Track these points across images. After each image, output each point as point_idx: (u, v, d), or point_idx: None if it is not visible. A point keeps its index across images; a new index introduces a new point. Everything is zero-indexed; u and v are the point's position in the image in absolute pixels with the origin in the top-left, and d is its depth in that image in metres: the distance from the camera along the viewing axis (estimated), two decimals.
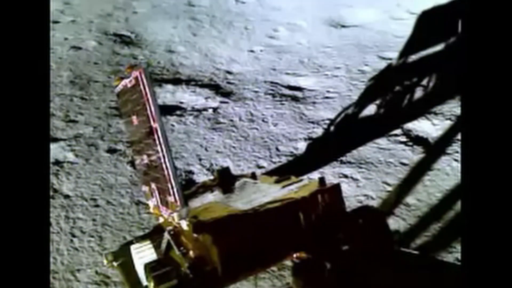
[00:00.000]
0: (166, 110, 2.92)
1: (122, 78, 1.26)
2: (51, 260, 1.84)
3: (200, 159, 2.45)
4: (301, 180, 1.33)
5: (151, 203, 1.36)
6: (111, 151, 2.52)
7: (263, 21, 4.26)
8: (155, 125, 1.13)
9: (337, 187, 1.20)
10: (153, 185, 1.29)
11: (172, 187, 1.11)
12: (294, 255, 1.41)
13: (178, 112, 2.89)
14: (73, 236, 1.98)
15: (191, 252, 1.15)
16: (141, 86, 1.12)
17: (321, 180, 1.21)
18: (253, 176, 1.56)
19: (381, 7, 4.28)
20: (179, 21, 4.35)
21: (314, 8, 4.42)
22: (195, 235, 1.08)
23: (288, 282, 1.66)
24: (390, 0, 4.36)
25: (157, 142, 1.13)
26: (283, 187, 1.30)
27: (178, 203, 1.11)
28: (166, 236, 1.24)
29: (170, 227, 1.24)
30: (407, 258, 1.73)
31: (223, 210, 1.19)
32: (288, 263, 1.64)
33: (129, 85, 1.21)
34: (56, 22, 4.38)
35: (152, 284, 1.13)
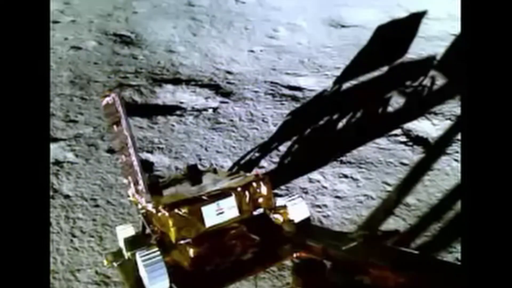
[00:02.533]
0: (166, 110, 2.92)
1: (105, 96, 1.62)
2: (51, 260, 1.84)
3: (200, 159, 2.45)
4: (244, 174, 1.64)
5: (130, 192, 1.67)
6: (111, 151, 2.52)
7: (263, 21, 4.26)
8: (126, 133, 1.53)
9: (266, 178, 1.51)
10: (129, 178, 1.62)
11: (139, 179, 1.51)
12: (294, 255, 1.43)
13: (178, 112, 2.89)
14: (73, 236, 1.98)
15: (157, 229, 1.48)
16: (116, 106, 1.54)
17: (256, 174, 1.56)
18: (215, 171, 1.88)
19: (381, 7, 4.28)
20: (179, 21, 4.35)
21: (314, 8, 4.43)
22: (158, 214, 1.39)
23: (288, 282, 1.67)
24: (390, 0, 4.37)
25: (128, 146, 1.53)
26: (231, 179, 1.61)
27: (144, 190, 1.50)
28: (141, 217, 1.57)
29: (144, 210, 1.57)
30: (407, 258, 1.73)
31: (181, 196, 1.51)
32: (288, 263, 1.64)
33: (109, 102, 1.59)
34: (56, 22, 4.38)
35: (129, 253, 1.47)
